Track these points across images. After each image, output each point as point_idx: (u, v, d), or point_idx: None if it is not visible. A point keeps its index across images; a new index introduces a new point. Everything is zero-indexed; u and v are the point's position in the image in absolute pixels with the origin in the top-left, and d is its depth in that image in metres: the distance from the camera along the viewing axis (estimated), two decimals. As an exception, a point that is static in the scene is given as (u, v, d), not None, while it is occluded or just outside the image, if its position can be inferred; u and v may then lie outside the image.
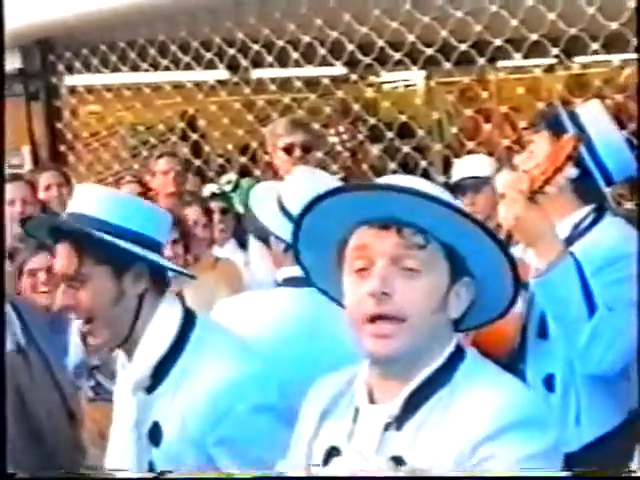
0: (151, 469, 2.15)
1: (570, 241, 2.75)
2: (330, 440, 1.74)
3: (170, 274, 2.33)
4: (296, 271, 2.72)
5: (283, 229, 2.71)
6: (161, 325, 2.21)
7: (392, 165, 5.35)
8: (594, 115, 2.87)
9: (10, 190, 4.65)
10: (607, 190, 2.84)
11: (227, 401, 2.08)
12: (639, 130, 2.96)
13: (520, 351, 2.76)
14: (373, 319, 1.61)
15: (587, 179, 2.79)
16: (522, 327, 2.75)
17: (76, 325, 3.66)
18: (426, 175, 5.45)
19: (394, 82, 8.59)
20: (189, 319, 2.24)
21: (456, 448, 1.59)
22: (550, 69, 7.39)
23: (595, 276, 2.59)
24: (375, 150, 5.78)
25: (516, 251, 2.74)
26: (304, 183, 2.74)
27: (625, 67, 6.93)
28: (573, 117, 2.84)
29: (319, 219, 1.70)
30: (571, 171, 2.68)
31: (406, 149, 5.37)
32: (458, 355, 1.70)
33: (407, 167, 5.53)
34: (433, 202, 1.61)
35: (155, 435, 2.16)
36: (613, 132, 2.86)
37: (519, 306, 2.70)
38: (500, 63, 6.73)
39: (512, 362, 2.64)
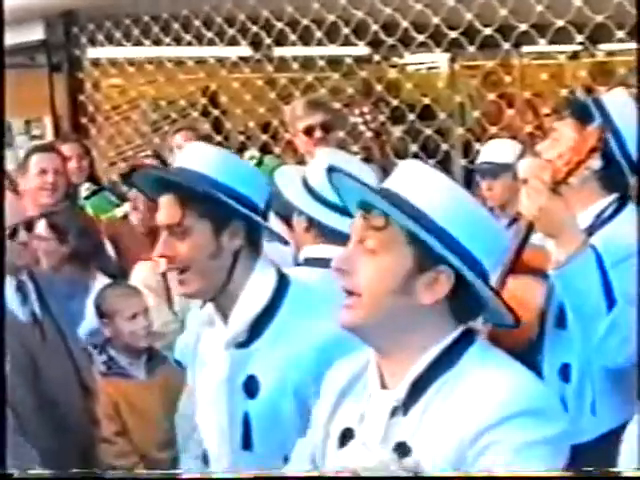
0: (245, 420, 2.23)
1: (592, 230, 2.74)
2: (345, 422, 1.77)
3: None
4: (318, 251, 2.76)
5: (309, 206, 2.78)
6: (258, 283, 2.29)
7: (413, 147, 5.33)
8: (620, 103, 2.84)
9: (41, 160, 4.64)
10: (632, 179, 2.81)
11: (330, 354, 2.08)
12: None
13: (538, 341, 2.75)
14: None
15: (612, 168, 2.75)
16: (541, 317, 2.73)
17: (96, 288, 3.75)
18: (447, 158, 5.46)
19: (418, 64, 8.54)
20: (284, 279, 2.31)
21: (459, 433, 1.61)
22: (575, 56, 7.35)
23: (615, 268, 2.58)
24: (397, 132, 5.76)
25: (537, 239, 2.73)
26: (327, 163, 2.77)
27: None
28: (598, 105, 2.80)
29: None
30: (595, 163, 2.66)
31: (428, 131, 5.35)
32: (466, 340, 1.72)
33: (428, 149, 5.52)
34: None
35: (251, 387, 2.23)
36: (635, 120, 2.81)
37: (539, 296, 2.70)
38: (525, 48, 6.69)
39: (529, 352, 2.62)
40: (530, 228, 2.67)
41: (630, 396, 2.71)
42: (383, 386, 1.73)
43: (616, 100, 2.85)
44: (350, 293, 1.72)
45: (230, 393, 2.27)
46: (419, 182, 1.72)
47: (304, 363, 2.17)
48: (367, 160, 4.37)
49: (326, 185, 2.75)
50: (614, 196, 2.82)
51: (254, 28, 5.81)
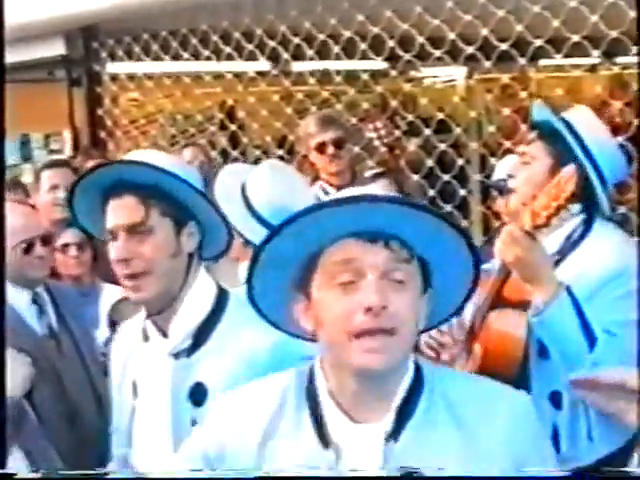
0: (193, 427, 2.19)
1: (562, 254, 2.71)
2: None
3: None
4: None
5: (250, 231, 2.75)
6: (200, 292, 2.27)
7: (429, 162, 5.35)
8: (586, 120, 2.82)
9: (53, 176, 4.62)
10: (603, 196, 2.75)
11: (274, 360, 2.12)
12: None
13: (524, 370, 2.70)
14: (361, 334, 1.58)
15: (583, 183, 2.69)
16: (525, 348, 2.69)
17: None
18: (462, 173, 5.47)
19: (434, 77, 8.56)
20: (223, 290, 2.31)
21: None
22: (592, 69, 7.35)
23: (593, 299, 2.57)
24: (412, 146, 5.77)
25: None
26: (270, 181, 2.79)
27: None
28: (566, 124, 2.77)
29: (292, 235, 1.64)
30: (575, 207, 2.66)
31: (443, 146, 5.37)
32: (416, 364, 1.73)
33: (444, 164, 5.52)
34: (419, 211, 1.62)
35: (198, 395, 2.20)
36: (606, 136, 2.82)
37: (521, 328, 2.66)
38: (541, 62, 6.70)
39: (518, 381, 2.59)
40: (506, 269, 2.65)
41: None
42: (355, 421, 1.67)
43: (582, 117, 2.83)
44: (376, 332, 1.59)
45: (175, 403, 2.24)
46: None
47: (252, 367, 2.14)
48: (382, 174, 4.38)
49: (265, 204, 2.77)
50: (583, 215, 2.77)
51: (272, 43, 5.84)
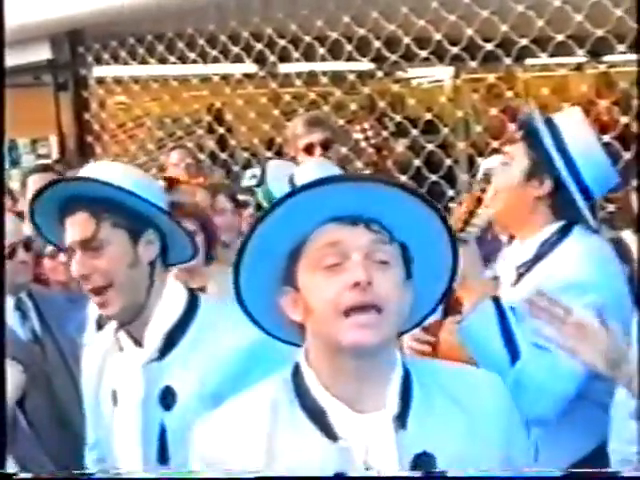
0: (161, 434, 2.19)
1: (537, 259, 2.62)
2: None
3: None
4: None
5: None
6: (171, 296, 2.28)
7: (416, 162, 5.35)
8: (574, 124, 2.70)
9: (39, 181, 4.61)
10: (584, 205, 2.64)
11: (245, 362, 2.13)
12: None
13: None
14: (350, 311, 1.60)
15: (562, 193, 2.64)
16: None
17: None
18: (450, 173, 5.48)
19: (421, 78, 8.57)
20: (193, 295, 2.32)
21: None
22: (578, 68, 7.37)
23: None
24: (400, 147, 5.78)
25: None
26: (316, 172, 2.83)
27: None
28: (551, 126, 2.67)
29: (276, 223, 1.66)
30: (538, 190, 2.63)
31: (430, 146, 5.38)
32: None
33: (432, 164, 5.53)
34: (398, 193, 1.64)
35: (167, 399, 2.20)
36: (593, 143, 2.69)
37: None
38: (527, 61, 6.73)
39: None
40: None
41: (578, 437, 2.55)
42: (358, 410, 1.66)
43: (569, 121, 2.71)
44: (364, 308, 1.61)
45: (145, 407, 2.24)
46: None
47: (222, 370, 2.15)
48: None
49: None
50: (561, 223, 2.67)
51: (258, 45, 5.85)
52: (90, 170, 2.34)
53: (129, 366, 2.28)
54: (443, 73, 8.59)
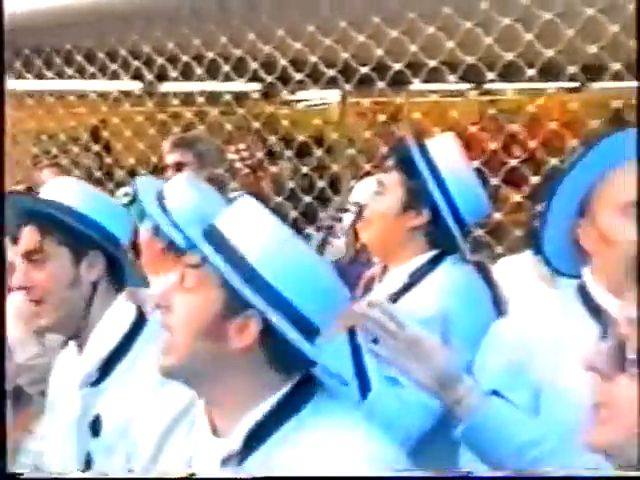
0: (88, 460, 2.24)
1: (405, 289, 2.61)
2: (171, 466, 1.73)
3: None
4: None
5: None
6: (113, 320, 2.30)
7: (290, 184, 5.37)
8: (447, 151, 2.69)
9: None
10: (459, 233, 2.65)
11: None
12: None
13: None
14: None
15: (439, 222, 2.64)
16: None
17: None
18: (323, 196, 5.50)
19: (305, 101, 8.63)
20: (141, 318, 2.34)
21: None
22: (460, 94, 7.49)
23: None
24: (277, 168, 5.80)
25: None
26: (184, 187, 2.83)
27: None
28: (424, 152, 2.65)
29: None
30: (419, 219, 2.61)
31: (305, 169, 5.40)
32: (306, 390, 1.74)
33: (310, 186, 5.55)
34: None
35: (96, 426, 2.25)
36: (465, 170, 2.69)
37: None
38: (402, 88, 6.82)
39: None
40: None
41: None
42: (214, 432, 1.69)
43: (442, 148, 2.69)
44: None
45: (79, 433, 2.27)
46: (246, 222, 1.62)
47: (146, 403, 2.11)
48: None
49: (183, 212, 2.79)
50: (433, 252, 2.67)
51: (136, 63, 5.80)
52: (52, 186, 2.42)
53: (71, 381, 2.33)
54: (330, 96, 8.66)
